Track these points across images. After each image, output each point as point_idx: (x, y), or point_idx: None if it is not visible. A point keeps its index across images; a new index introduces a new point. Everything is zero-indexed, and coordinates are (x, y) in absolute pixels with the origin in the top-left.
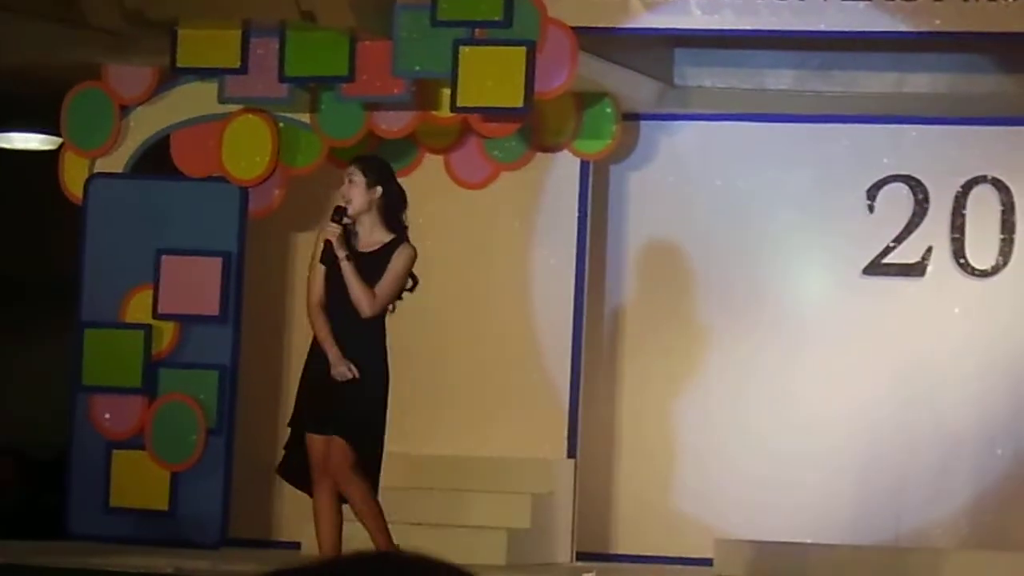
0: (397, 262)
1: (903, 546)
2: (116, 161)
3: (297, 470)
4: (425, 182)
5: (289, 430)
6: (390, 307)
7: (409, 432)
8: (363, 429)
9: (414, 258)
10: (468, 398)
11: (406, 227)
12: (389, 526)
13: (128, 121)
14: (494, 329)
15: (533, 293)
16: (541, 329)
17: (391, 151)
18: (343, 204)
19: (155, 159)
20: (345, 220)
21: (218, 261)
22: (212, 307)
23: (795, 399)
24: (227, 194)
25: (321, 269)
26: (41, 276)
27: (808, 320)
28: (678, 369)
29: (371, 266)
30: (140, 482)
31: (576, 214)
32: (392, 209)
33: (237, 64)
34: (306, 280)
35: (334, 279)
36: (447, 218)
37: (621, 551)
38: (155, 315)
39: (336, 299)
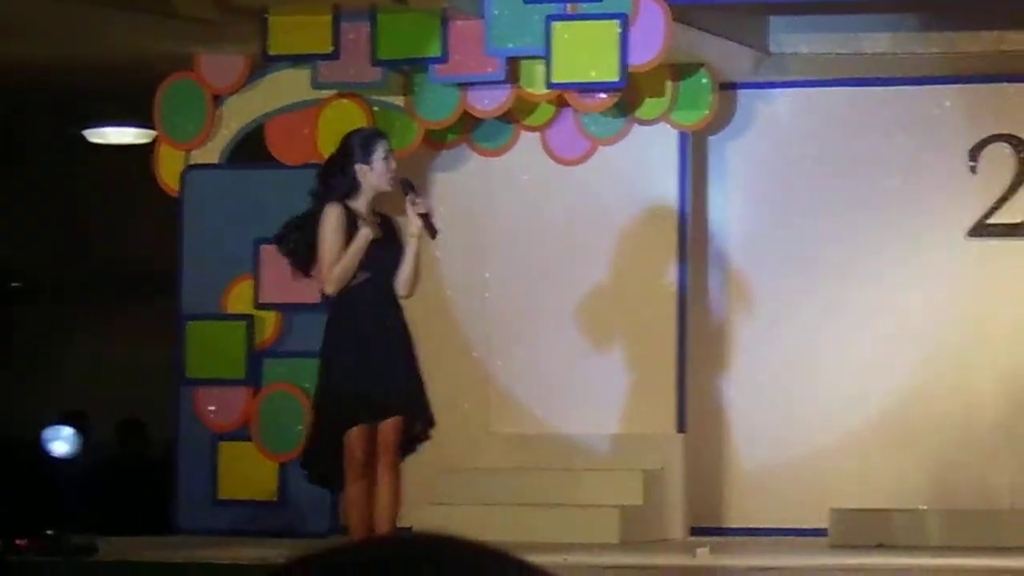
0: (320, 229)
1: (1017, 509)
2: (211, 152)
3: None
4: (523, 159)
5: None
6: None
7: (518, 412)
8: (319, 411)
9: (331, 216)
10: (574, 375)
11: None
12: (502, 507)
13: (222, 111)
14: (598, 305)
15: (636, 267)
16: (646, 303)
17: (487, 131)
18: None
19: (250, 148)
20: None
21: None
22: (313, 295)
23: (904, 365)
24: None
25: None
26: (139, 270)
27: (915, 285)
28: (785, 340)
29: None
30: (248, 473)
31: (676, 186)
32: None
33: (329, 49)
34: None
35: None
36: (546, 195)
37: (734, 524)
38: (256, 305)
39: None
